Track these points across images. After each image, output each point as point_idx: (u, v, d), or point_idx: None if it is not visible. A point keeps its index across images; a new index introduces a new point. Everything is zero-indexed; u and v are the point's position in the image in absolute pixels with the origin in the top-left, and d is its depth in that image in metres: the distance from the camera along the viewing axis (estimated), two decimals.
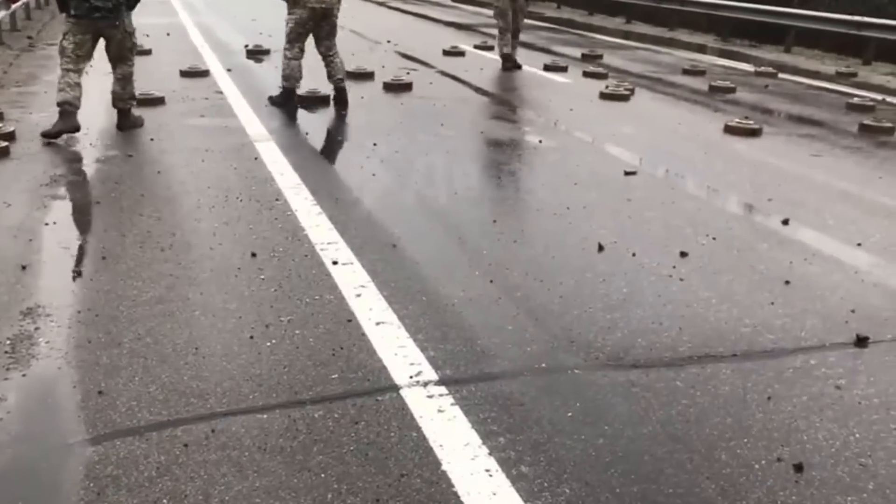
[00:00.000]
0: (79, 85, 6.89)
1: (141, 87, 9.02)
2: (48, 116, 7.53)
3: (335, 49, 8.50)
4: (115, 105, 7.26)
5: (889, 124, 8.32)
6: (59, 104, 6.80)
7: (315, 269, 4.27)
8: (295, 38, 8.32)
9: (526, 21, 12.49)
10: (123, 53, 7.14)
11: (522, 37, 12.09)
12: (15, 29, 13.62)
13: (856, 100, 9.85)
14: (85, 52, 6.96)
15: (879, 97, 10.37)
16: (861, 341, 3.67)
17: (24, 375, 3.17)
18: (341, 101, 8.54)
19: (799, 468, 2.74)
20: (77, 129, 6.82)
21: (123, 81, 7.20)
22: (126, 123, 7.27)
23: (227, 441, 2.79)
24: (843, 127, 8.54)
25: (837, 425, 3.02)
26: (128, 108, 7.32)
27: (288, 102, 8.42)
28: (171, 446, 2.75)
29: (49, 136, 6.71)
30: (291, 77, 8.42)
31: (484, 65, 11.95)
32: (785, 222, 5.28)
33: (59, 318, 3.63)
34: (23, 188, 5.49)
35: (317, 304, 3.86)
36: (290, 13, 8.29)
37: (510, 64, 11.41)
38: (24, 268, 4.17)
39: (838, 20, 13.78)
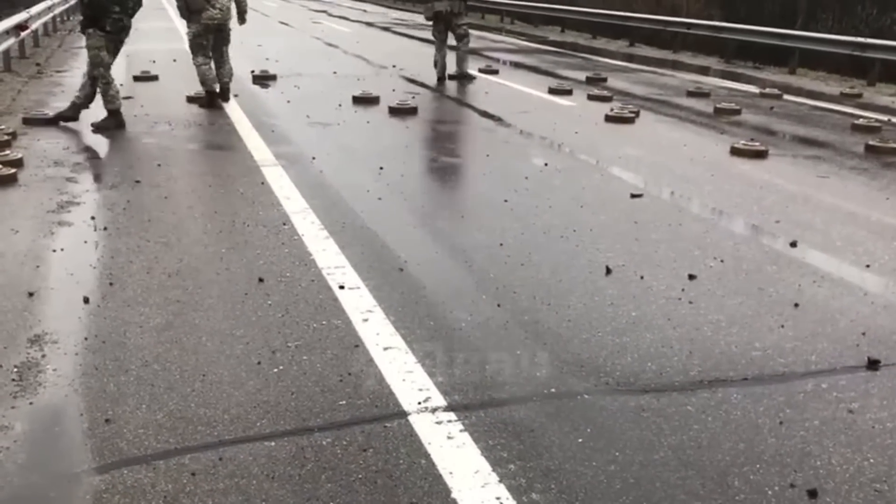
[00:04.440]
0: (119, 91, 8.52)
1: (150, 112, 9.13)
2: (56, 143, 7.59)
3: (227, 55, 9.85)
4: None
5: (895, 145, 8.31)
6: (115, 111, 8.33)
7: (322, 293, 4.26)
8: (197, 49, 9.48)
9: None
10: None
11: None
12: (24, 56, 13.74)
13: (861, 121, 9.84)
14: (112, 60, 8.39)
15: (885, 118, 10.37)
16: (872, 364, 3.64)
17: (31, 403, 3.16)
18: (223, 97, 9.85)
19: (813, 494, 2.70)
20: (124, 125, 8.40)
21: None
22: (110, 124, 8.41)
23: (235, 469, 2.77)
24: (849, 148, 8.53)
25: (851, 450, 2.98)
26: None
27: (212, 104, 9.55)
28: (178, 475, 2.73)
29: (100, 130, 8.22)
30: (207, 81, 9.55)
31: (489, 89, 11.99)
32: (793, 244, 5.26)
33: (66, 345, 3.63)
34: (30, 214, 5.51)
35: (324, 329, 3.84)
36: (188, 27, 9.53)
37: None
38: (31, 294, 4.17)
39: (842, 41, 13.84)
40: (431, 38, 12.69)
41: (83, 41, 8.68)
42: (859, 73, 13.95)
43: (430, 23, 12.50)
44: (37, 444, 2.92)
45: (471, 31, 12.73)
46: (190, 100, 9.85)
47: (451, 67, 12.55)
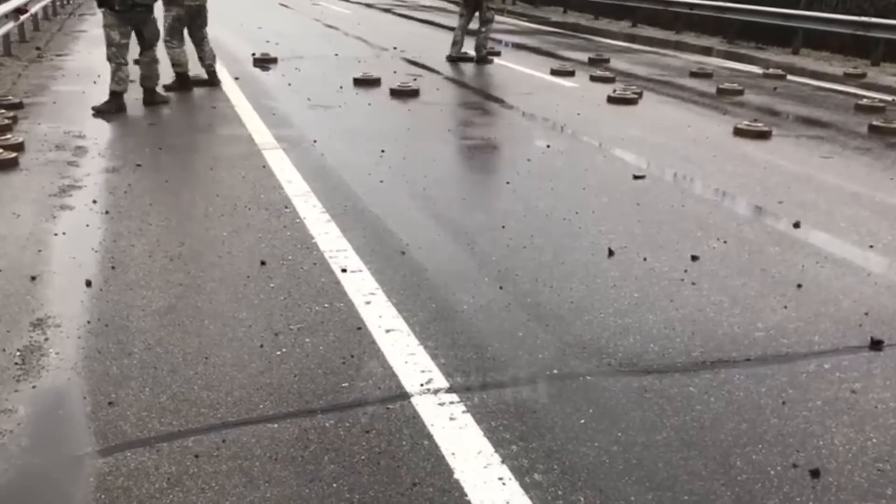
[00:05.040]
0: (129, 76, 8.46)
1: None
2: (57, 127, 7.57)
3: (207, 38, 9.84)
4: (143, 84, 8.65)
5: None
6: (118, 94, 8.31)
7: (324, 276, 4.26)
8: (175, 33, 9.44)
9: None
10: (153, 40, 8.62)
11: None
12: (24, 40, 13.68)
13: (865, 101, 9.80)
14: (127, 41, 8.38)
15: (889, 98, 10.32)
16: (875, 345, 3.64)
17: (34, 387, 3.17)
18: (213, 82, 9.89)
19: (815, 474, 2.71)
20: (125, 109, 8.37)
21: (152, 64, 8.64)
22: (153, 99, 8.68)
23: (238, 451, 2.78)
24: (853, 128, 8.49)
25: (854, 430, 2.98)
26: (153, 87, 8.73)
27: (183, 86, 9.51)
28: (181, 457, 2.74)
29: (101, 113, 8.18)
30: (181, 63, 9.49)
31: (491, 70, 11.94)
32: (796, 225, 5.25)
33: (68, 329, 3.63)
34: (32, 198, 5.50)
35: (326, 312, 3.84)
36: (167, 10, 9.39)
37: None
38: (33, 278, 4.17)
39: (846, 21, 13.74)
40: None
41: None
42: (863, 53, 13.86)
43: (458, 2, 12.57)
44: (40, 427, 2.93)
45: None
46: (166, 88, 9.29)
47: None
